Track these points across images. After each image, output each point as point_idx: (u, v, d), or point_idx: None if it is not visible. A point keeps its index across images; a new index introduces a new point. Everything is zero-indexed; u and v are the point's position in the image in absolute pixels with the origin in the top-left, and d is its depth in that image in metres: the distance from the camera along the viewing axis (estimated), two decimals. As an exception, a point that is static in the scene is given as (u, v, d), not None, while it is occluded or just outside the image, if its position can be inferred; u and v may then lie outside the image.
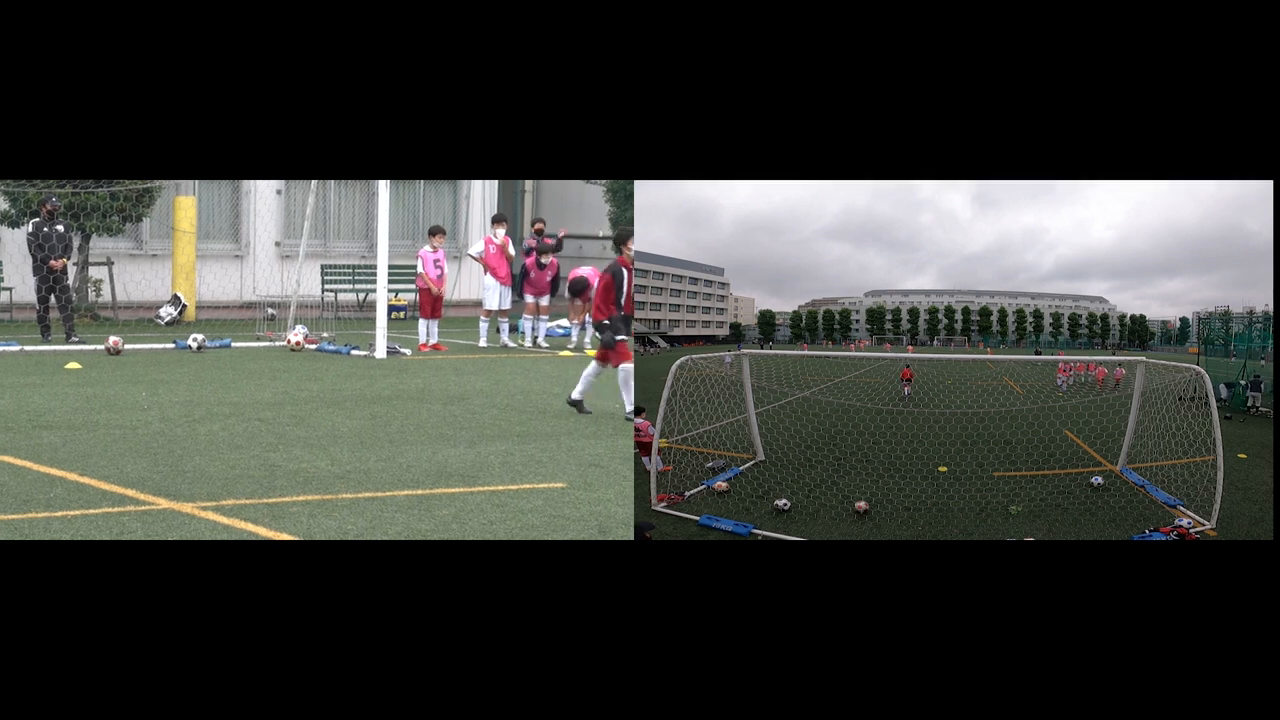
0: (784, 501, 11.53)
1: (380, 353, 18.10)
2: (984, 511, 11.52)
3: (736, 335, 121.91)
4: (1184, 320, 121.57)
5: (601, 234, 26.81)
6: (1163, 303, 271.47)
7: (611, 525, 8.37)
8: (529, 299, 20.38)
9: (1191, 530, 10.37)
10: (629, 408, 12.99)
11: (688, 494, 12.08)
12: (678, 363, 12.38)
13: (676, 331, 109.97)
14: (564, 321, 21.13)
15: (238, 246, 25.22)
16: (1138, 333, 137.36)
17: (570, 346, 20.14)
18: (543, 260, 20.16)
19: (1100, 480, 13.16)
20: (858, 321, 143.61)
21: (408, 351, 18.77)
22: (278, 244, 25.02)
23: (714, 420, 15.18)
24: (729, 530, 10.40)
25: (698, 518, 10.82)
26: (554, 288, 20.55)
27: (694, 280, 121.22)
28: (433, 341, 19.57)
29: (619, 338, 13.15)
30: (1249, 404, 24.68)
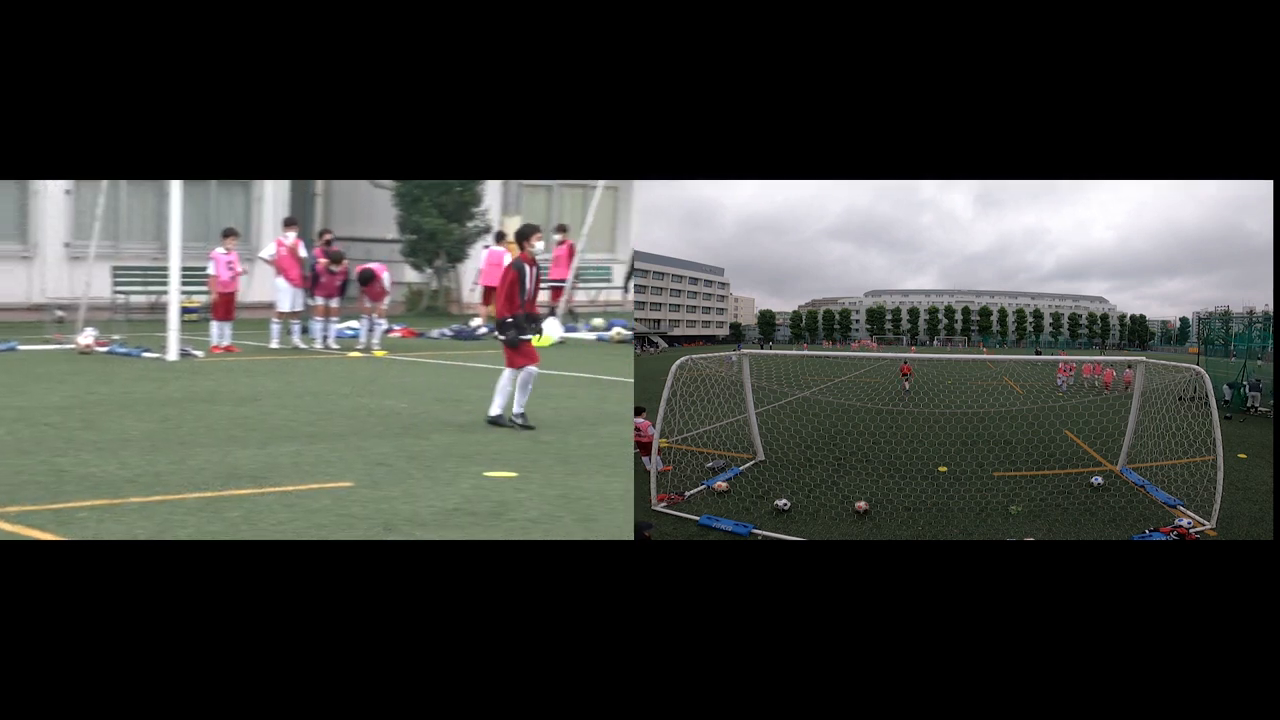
0: (784, 501, 11.54)
1: (172, 355, 17.89)
2: (984, 511, 11.52)
3: (736, 335, 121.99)
4: (1184, 320, 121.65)
5: (390, 237, 26.71)
6: (1162, 303, 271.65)
7: (397, 522, 8.33)
8: (319, 300, 20.44)
9: (1191, 530, 10.38)
10: (518, 409, 12.19)
11: (688, 494, 12.09)
12: (678, 363, 12.39)
13: (676, 331, 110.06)
14: (354, 323, 21.13)
15: (25, 247, 24.50)
16: (1138, 333, 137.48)
17: (359, 347, 20.15)
18: (333, 268, 20.25)
19: (1100, 480, 13.17)
20: (858, 321, 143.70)
21: (200, 354, 18.57)
22: (67, 245, 24.29)
23: (714, 420, 15.19)
24: (729, 530, 10.41)
25: (698, 518, 10.84)
26: (344, 290, 20.64)
27: (694, 280, 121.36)
28: (225, 343, 19.48)
29: (523, 337, 12.26)
30: (1249, 404, 24.70)
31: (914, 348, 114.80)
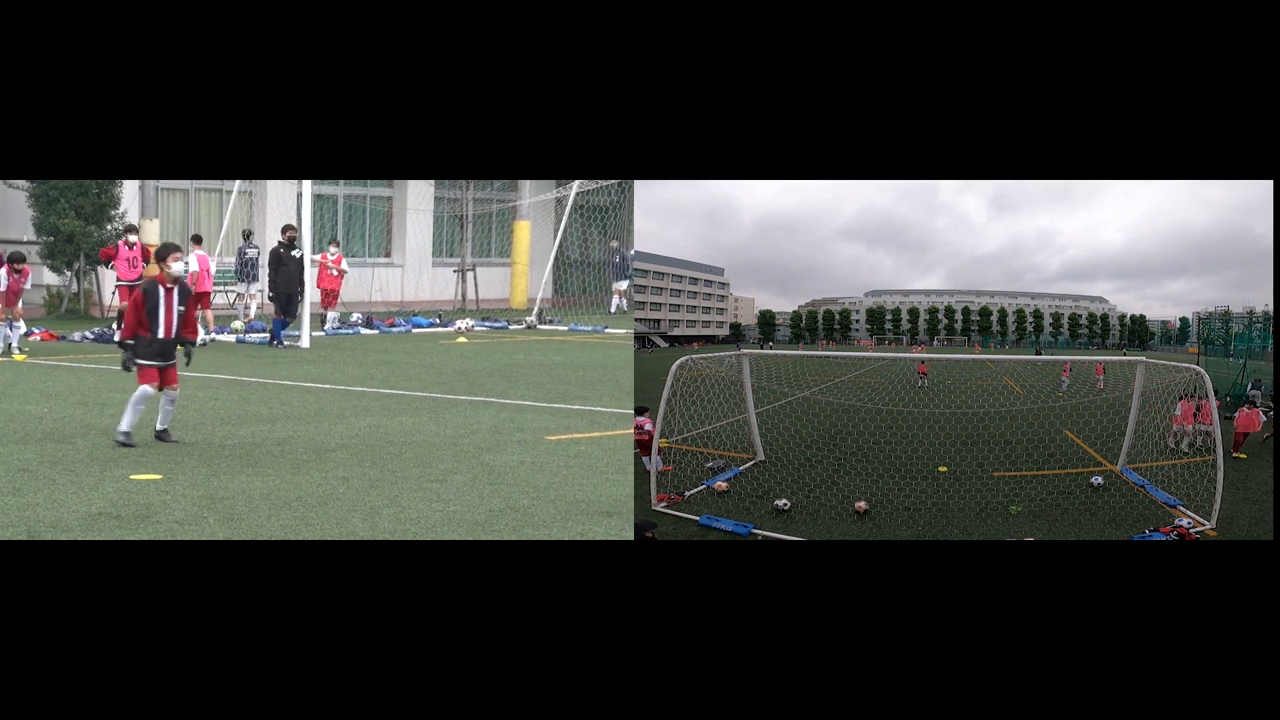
0: (784, 501, 11.54)
1: None
2: (984, 511, 11.52)
3: (736, 335, 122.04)
4: (1184, 320, 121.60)
5: (26, 239, 26.02)
6: (1165, 303, 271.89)
7: (40, 529, 8.16)
8: None
9: (1191, 530, 10.38)
10: (122, 428, 11.33)
11: (688, 494, 12.09)
12: (678, 363, 12.38)
13: (676, 331, 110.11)
14: None
15: None
16: (1138, 333, 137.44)
17: None
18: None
19: (1100, 480, 13.17)
20: (858, 321, 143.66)
21: None
22: None
23: (714, 420, 15.18)
24: (729, 530, 10.41)
25: (698, 518, 10.83)
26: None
27: (694, 280, 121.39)
28: None
29: (140, 362, 11.44)
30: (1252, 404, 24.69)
31: (920, 347, 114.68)
